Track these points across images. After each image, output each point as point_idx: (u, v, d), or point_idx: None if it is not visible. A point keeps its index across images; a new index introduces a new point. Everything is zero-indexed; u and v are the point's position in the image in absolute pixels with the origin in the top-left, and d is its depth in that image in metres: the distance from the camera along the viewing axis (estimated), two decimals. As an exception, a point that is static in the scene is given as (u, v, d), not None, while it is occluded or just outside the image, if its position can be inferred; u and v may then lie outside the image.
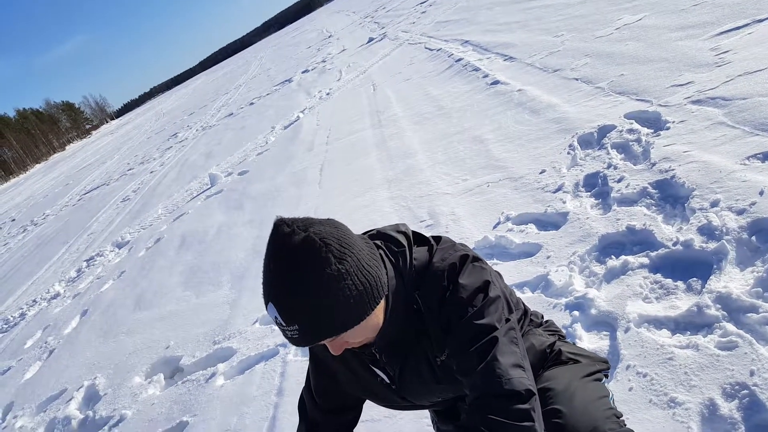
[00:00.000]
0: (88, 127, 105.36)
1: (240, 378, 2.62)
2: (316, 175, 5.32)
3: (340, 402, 1.27)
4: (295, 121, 8.67)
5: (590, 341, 1.85)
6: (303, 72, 14.63)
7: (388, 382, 1.15)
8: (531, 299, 2.15)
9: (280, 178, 5.83)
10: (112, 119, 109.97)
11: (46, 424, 3.07)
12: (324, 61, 14.74)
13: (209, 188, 6.99)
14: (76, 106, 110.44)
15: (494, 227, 2.79)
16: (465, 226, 2.95)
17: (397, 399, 1.20)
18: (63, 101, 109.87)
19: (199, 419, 2.45)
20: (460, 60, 6.94)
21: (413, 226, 3.21)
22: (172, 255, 5.06)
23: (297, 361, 2.52)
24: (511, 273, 2.35)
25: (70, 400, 3.19)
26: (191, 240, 5.22)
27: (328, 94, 9.72)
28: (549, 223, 2.62)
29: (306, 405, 1.30)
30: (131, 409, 2.80)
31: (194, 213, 6.18)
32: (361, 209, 3.92)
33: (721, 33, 3.69)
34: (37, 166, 74.23)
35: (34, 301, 6.03)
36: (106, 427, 2.76)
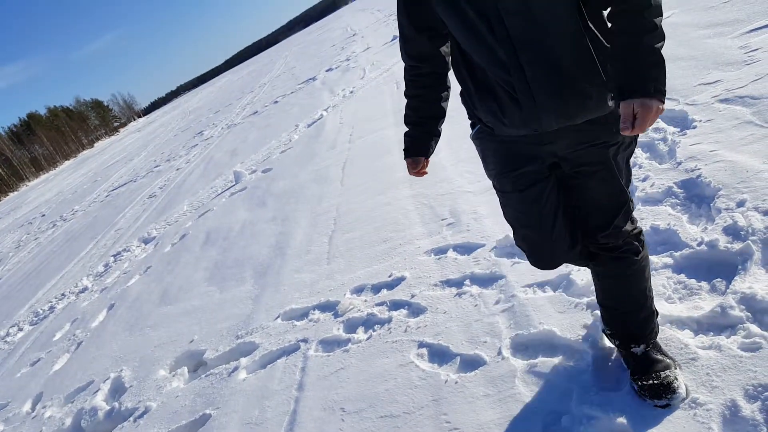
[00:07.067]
0: (116, 124, 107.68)
1: (262, 372, 2.67)
2: (338, 173, 5.36)
3: (426, 16, 1.39)
4: (319, 119, 8.75)
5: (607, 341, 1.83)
6: (327, 70, 14.72)
7: None
8: (552, 298, 2.14)
9: (303, 175, 5.90)
10: (140, 117, 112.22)
11: (74, 414, 3.17)
12: (348, 60, 14.80)
13: (234, 185, 7.10)
14: (105, 103, 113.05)
15: (515, 226, 2.78)
16: (486, 225, 2.95)
17: None
18: (92, 99, 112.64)
19: (222, 412, 2.50)
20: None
21: (434, 225, 3.23)
22: (197, 251, 5.17)
23: (318, 357, 2.56)
24: (532, 272, 2.34)
25: (97, 391, 3.29)
26: (215, 236, 5.32)
27: (351, 92, 9.78)
28: (571, 222, 2.60)
29: (402, 29, 1.48)
30: (156, 401, 2.88)
31: (219, 210, 6.29)
32: (382, 207, 3.94)
33: (752, 31, 3.60)
34: (67, 162, 76.28)
35: (63, 294, 6.22)
36: (131, 419, 2.84)
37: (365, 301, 2.84)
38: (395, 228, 3.51)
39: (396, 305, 2.67)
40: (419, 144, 1.63)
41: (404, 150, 1.66)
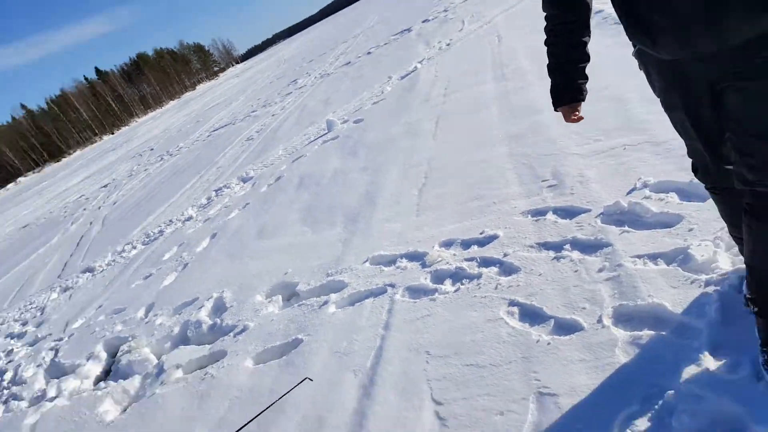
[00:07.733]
0: (215, 69, 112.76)
1: (350, 309, 2.78)
2: (431, 127, 5.29)
3: None
4: (413, 71, 8.62)
5: (726, 323, 1.70)
6: (423, 21, 14.36)
7: None
8: (665, 272, 2.01)
9: (395, 128, 5.89)
10: (237, 63, 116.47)
11: (181, 324, 3.51)
12: (446, 11, 14.32)
13: (326, 134, 7.25)
14: (206, 48, 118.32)
15: (628, 193, 2.61)
16: (594, 189, 2.79)
17: None
18: (194, 43, 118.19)
19: (313, 339, 2.65)
20: (599, 12, 6.37)
21: (533, 185, 3.13)
22: (291, 193, 5.39)
23: (404, 301, 2.61)
24: (643, 242, 2.20)
25: (201, 307, 3.61)
26: (309, 181, 5.50)
27: (448, 44, 9.49)
28: (694, 194, 2.38)
29: None
30: (253, 322, 3.11)
31: (312, 156, 6.48)
32: (477, 164, 3.86)
33: None
34: (171, 102, 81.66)
35: (170, 221, 6.79)
36: (231, 334, 3.10)
37: (454, 255, 2.83)
38: (489, 186, 3.43)
39: (486, 262, 2.64)
40: (564, 92, 1.67)
41: (553, 104, 1.70)
